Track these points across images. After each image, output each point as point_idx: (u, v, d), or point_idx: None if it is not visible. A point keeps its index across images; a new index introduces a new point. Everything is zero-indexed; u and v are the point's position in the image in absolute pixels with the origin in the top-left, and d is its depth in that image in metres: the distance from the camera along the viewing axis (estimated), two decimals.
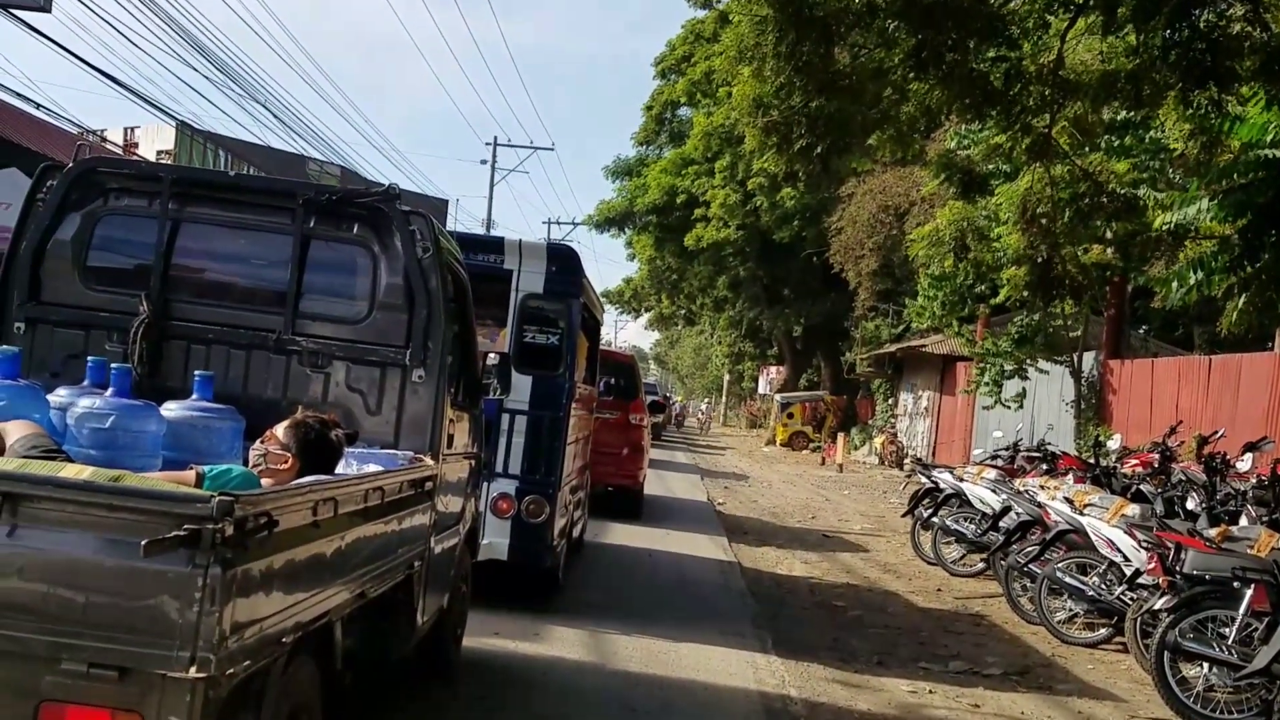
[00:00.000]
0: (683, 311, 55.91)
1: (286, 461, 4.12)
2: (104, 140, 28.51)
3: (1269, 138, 10.61)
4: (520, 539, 8.29)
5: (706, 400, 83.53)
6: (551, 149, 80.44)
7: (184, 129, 31.16)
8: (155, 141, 37.60)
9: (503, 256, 8.59)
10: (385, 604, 4.63)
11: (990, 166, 14.89)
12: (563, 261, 8.71)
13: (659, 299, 52.11)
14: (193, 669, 2.77)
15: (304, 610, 3.40)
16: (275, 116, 45.29)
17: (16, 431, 3.90)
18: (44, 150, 15.90)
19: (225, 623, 2.82)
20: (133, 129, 41.15)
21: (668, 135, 46.39)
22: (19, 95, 25.60)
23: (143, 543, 2.69)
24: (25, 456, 3.65)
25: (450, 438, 5.61)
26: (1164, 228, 11.95)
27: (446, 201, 44.65)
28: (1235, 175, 11.15)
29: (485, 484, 7.79)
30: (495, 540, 8.20)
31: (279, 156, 33.45)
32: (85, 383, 4.60)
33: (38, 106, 19.79)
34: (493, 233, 33.43)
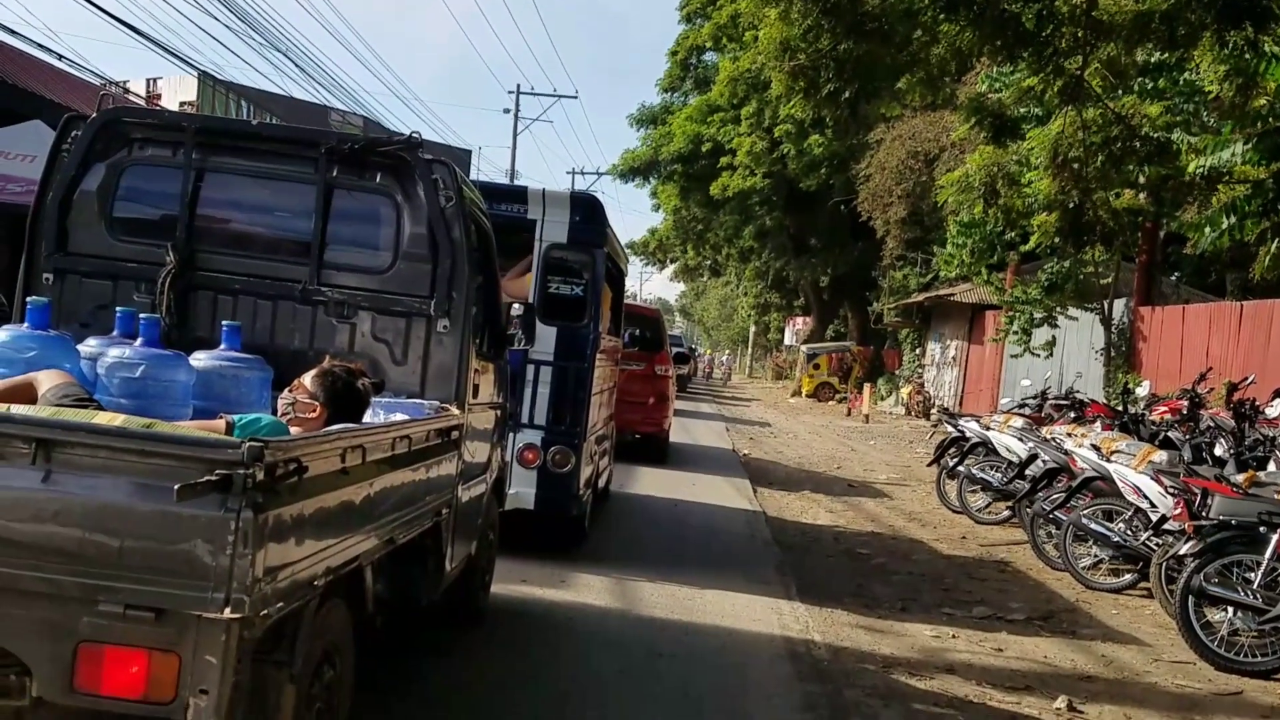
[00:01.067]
0: (708, 262, 55.71)
1: (315, 410, 4.18)
2: (127, 91, 28.56)
3: None
4: (546, 489, 8.36)
5: (728, 352, 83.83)
6: (575, 97, 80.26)
7: (206, 79, 31.17)
8: (178, 93, 37.61)
9: (526, 206, 8.53)
10: (414, 550, 4.70)
11: (1021, 110, 14.68)
12: (586, 211, 8.66)
13: (684, 250, 51.91)
14: (227, 610, 2.83)
15: (335, 555, 3.46)
16: (297, 66, 45.24)
17: (49, 381, 3.96)
18: (67, 102, 15.91)
19: (258, 565, 2.87)
20: (155, 80, 41.16)
21: (693, 82, 45.91)
22: (40, 46, 25.67)
23: (175, 487, 2.75)
24: (58, 405, 3.72)
25: (475, 388, 5.65)
26: (1197, 172, 11.80)
27: (469, 151, 44.55)
28: (1270, 118, 10.97)
29: (511, 434, 7.81)
30: (522, 490, 8.26)
31: (302, 107, 33.42)
32: (114, 333, 4.67)
33: (59, 58, 19.84)
34: (516, 183, 33.53)
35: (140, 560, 2.85)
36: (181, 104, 34.82)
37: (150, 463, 2.89)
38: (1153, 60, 13.69)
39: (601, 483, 10.86)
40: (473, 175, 36.17)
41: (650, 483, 13.79)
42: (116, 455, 2.92)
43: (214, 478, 2.79)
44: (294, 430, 4.01)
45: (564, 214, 8.54)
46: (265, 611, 2.98)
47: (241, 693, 2.97)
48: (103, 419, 3.28)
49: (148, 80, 40.39)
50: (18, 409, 3.45)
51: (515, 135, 46.25)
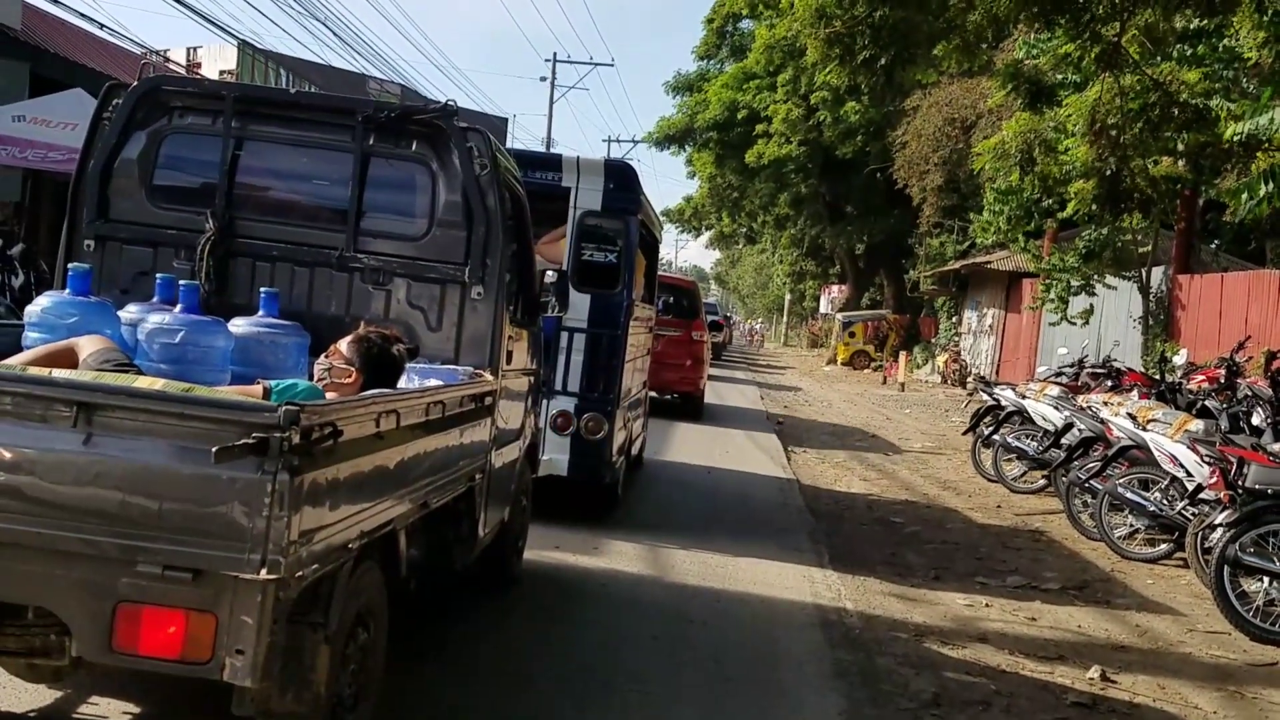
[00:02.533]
0: (744, 230, 55.52)
1: (350, 375, 4.23)
2: (167, 60, 28.70)
3: None
4: (580, 455, 8.43)
5: (760, 319, 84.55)
6: (611, 65, 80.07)
7: (245, 48, 31.25)
8: (218, 61, 37.73)
9: (561, 174, 8.57)
10: (448, 515, 4.76)
11: (1059, 77, 14.51)
12: (620, 178, 8.69)
13: (719, 217, 51.71)
14: (263, 571, 2.88)
15: (369, 518, 3.51)
16: (336, 35, 45.38)
17: (90, 346, 4.03)
18: (108, 70, 16.08)
19: (294, 528, 2.92)
20: (195, 49, 41.31)
21: (729, 49, 45.60)
22: (82, 15, 25.83)
23: (213, 450, 2.80)
24: (99, 370, 3.79)
25: (509, 354, 5.68)
26: (1236, 138, 11.60)
27: (506, 120, 44.52)
28: None
29: (545, 401, 7.90)
30: (555, 457, 8.33)
31: (340, 75, 33.50)
32: (154, 299, 4.74)
33: (100, 26, 20.03)
34: (552, 151, 33.88)
35: (178, 522, 2.92)
36: (221, 72, 34.97)
37: (189, 426, 2.95)
38: (1191, 26, 13.47)
39: (635, 449, 10.88)
40: (508, 143, 36.22)
41: (684, 448, 13.84)
42: (156, 418, 2.98)
43: (251, 441, 2.84)
44: (330, 395, 4.06)
45: (598, 181, 8.57)
46: (300, 573, 3.03)
47: (277, 653, 3.03)
48: (142, 383, 3.34)
49: (188, 49, 40.56)
50: (59, 373, 3.52)
51: (551, 103, 46.29)
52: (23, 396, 3.02)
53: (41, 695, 4.28)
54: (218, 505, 2.90)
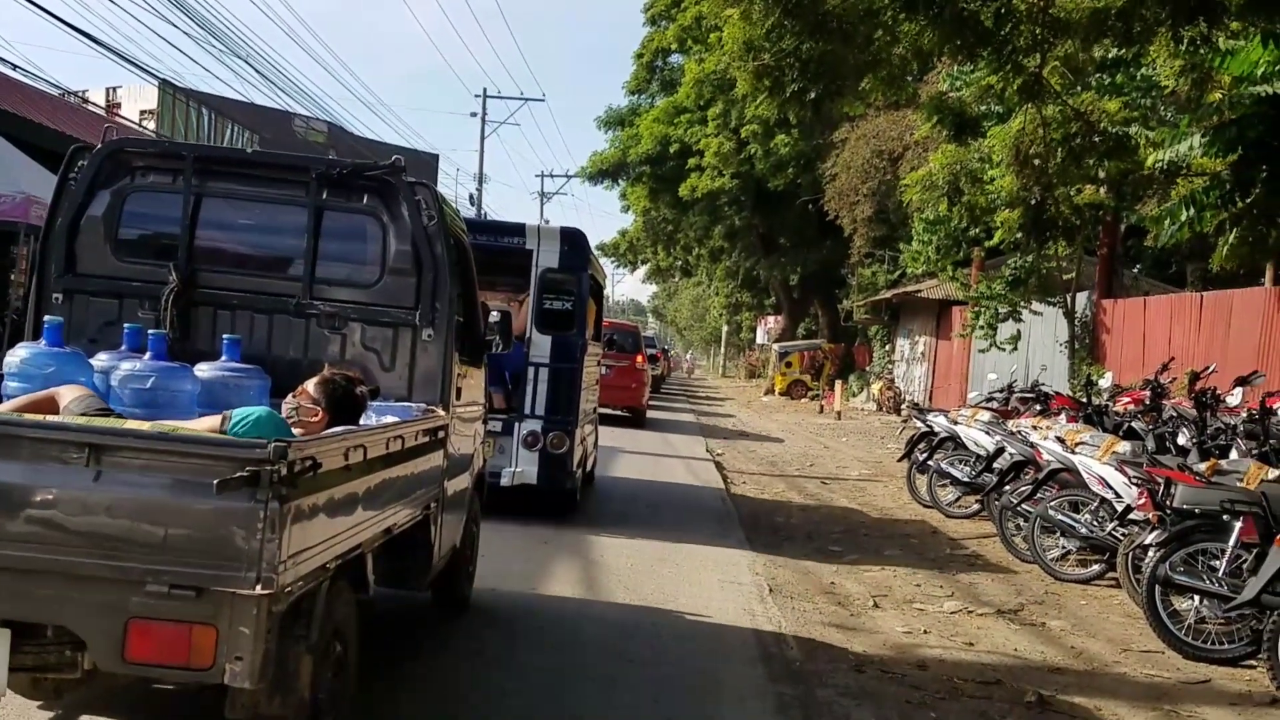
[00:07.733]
0: (679, 263, 55.96)
1: (317, 414, 4.48)
2: (85, 101, 28.31)
3: (1259, 72, 10.61)
4: (546, 467, 10.13)
5: (693, 352, 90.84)
6: (542, 100, 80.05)
7: (166, 88, 30.92)
8: (138, 101, 37.18)
9: (524, 239, 10.43)
10: (407, 540, 5.10)
11: (982, 108, 14.96)
12: (573, 242, 10.53)
13: (655, 251, 52.12)
14: (258, 587, 3.24)
15: (343, 541, 3.88)
16: (258, 73, 45.08)
17: (69, 394, 4.30)
18: (23, 113, 15.80)
19: (284, 549, 3.28)
20: (114, 89, 40.76)
21: (659, 84, 46.12)
22: None
23: (215, 482, 3.15)
24: (81, 415, 4.05)
25: (459, 390, 5.99)
26: (1156, 165, 12.00)
27: (436, 156, 44.56)
28: (1226, 111, 11.19)
29: (517, 423, 10.08)
30: (526, 469, 10.08)
31: (264, 113, 33.24)
32: (123, 348, 4.98)
33: (14, 68, 19.81)
34: (484, 186, 35.50)
35: (182, 546, 3.27)
36: (142, 113, 34.54)
37: (188, 462, 3.30)
38: (1110, 57, 13.91)
39: (588, 466, 12.22)
40: (439, 179, 36.26)
41: (627, 474, 13.96)
42: (159, 456, 3.33)
43: (245, 474, 3.19)
44: (298, 432, 4.28)
45: (555, 244, 10.42)
46: (289, 589, 3.39)
47: (270, 660, 3.36)
48: (131, 426, 3.70)
49: (107, 89, 39.98)
50: (68, 419, 3.89)
51: (483, 139, 46.25)
52: (40, 441, 3.37)
53: (34, 716, 4.47)
54: (217, 531, 3.25)
